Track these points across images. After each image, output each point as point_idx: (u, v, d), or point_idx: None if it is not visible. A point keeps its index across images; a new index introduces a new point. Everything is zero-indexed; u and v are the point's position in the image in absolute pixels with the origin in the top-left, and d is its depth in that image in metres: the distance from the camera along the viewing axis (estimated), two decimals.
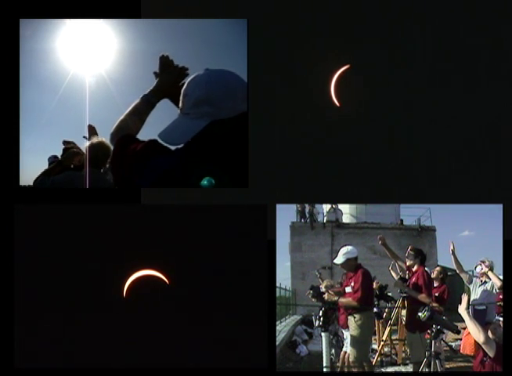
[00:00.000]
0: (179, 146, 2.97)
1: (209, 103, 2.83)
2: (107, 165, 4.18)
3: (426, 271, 4.64)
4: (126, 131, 3.18)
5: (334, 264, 4.69)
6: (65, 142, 4.22)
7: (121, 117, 3.27)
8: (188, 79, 3.00)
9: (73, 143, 4.23)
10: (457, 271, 4.63)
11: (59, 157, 4.24)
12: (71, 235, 4.13)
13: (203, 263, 4.13)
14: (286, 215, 4.47)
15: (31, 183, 4.17)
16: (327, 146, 4.25)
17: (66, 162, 4.21)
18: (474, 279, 4.62)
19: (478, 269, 4.55)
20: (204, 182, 2.89)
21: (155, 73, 3.31)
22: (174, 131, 2.93)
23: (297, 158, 4.25)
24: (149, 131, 3.24)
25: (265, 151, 4.23)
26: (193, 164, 2.89)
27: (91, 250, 4.12)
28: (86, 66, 4.03)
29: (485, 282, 4.54)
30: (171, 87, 3.14)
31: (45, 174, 4.15)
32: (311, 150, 4.25)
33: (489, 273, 4.51)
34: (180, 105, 2.98)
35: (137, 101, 3.29)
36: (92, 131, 4.13)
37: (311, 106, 4.24)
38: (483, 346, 3.51)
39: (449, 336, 4.53)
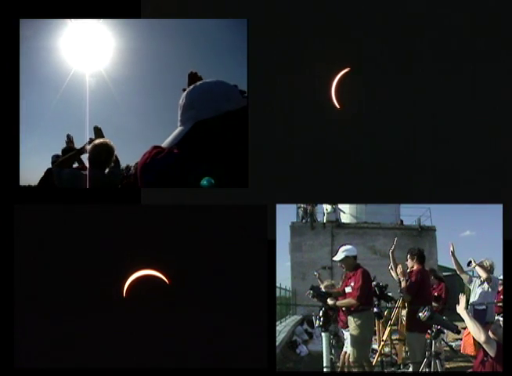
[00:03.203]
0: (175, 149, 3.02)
1: (191, 107, 2.95)
2: (111, 164, 4.19)
3: (423, 270, 4.65)
4: None
5: (334, 261, 4.70)
6: (68, 137, 4.24)
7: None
8: None
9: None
10: (457, 272, 4.64)
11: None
12: (71, 235, 4.13)
13: (203, 263, 4.13)
14: (286, 215, 4.47)
15: (31, 183, 4.17)
16: (327, 146, 4.25)
17: (82, 150, 4.21)
18: (474, 279, 4.63)
19: (469, 267, 4.59)
20: (204, 182, 2.90)
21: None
22: (168, 138, 3.00)
23: (297, 158, 4.25)
24: None
25: (264, 151, 4.23)
26: (189, 164, 2.91)
27: (91, 250, 4.12)
28: (86, 65, 4.04)
29: (484, 281, 4.55)
30: None
31: (61, 164, 4.15)
32: (312, 150, 4.25)
33: (477, 268, 4.53)
34: None
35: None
36: (98, 132, 4.14)
37: (311, 106, 4.24)
38: (484, 346, 3.51)
39: (449, 336, 4.54)
